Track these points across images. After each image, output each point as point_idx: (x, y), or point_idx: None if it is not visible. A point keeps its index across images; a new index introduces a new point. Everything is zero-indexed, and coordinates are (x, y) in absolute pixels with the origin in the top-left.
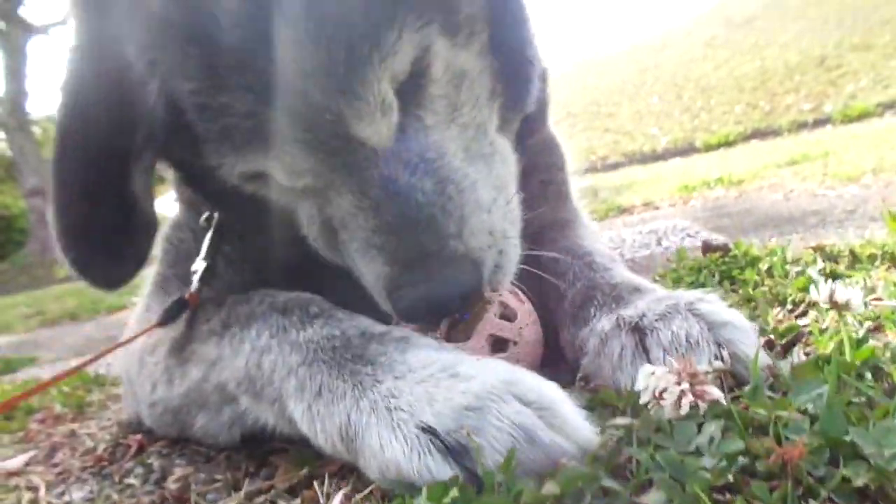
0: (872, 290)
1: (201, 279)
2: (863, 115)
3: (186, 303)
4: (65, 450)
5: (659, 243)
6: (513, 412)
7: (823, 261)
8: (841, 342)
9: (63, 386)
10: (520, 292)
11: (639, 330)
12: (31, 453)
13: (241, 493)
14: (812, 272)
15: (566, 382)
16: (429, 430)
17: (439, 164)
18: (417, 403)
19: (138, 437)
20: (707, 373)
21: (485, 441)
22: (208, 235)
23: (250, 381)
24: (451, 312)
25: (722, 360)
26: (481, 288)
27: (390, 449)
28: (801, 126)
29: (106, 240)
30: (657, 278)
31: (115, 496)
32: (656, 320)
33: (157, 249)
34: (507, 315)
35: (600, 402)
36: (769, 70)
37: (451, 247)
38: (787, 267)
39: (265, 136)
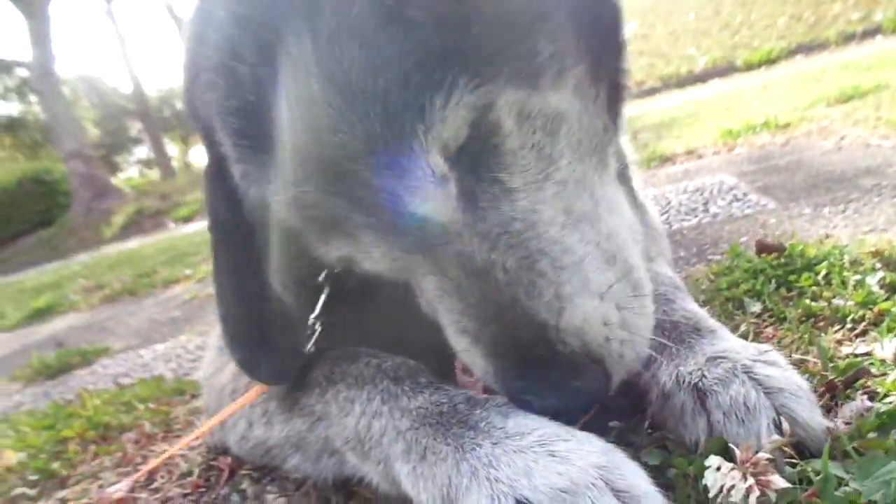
0: None
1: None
2: None
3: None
4: (162, 473)
5: (706, 209)
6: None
7: (884, 268)
8: None
9: (149, 402)
10: None
11: (698, 390)
12: (133, 478)
13: None
14: (872, 283)
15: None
16: None
17: (528, 234)
18: (516, 477)
19: (228, 461)
20: (769, 459)
21: None
22: (324, 294)
23: (358, 441)
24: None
25: (779, 427)
26: (607, 393)
27: None
28: (848, 38)
29: (263, 338)
30: (711, 277)
31: None
32: (715, 384)
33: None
34: None
35: (672, 465)
36: None
37: (560, 348)
38: (846, 274)
39: (338, 225)
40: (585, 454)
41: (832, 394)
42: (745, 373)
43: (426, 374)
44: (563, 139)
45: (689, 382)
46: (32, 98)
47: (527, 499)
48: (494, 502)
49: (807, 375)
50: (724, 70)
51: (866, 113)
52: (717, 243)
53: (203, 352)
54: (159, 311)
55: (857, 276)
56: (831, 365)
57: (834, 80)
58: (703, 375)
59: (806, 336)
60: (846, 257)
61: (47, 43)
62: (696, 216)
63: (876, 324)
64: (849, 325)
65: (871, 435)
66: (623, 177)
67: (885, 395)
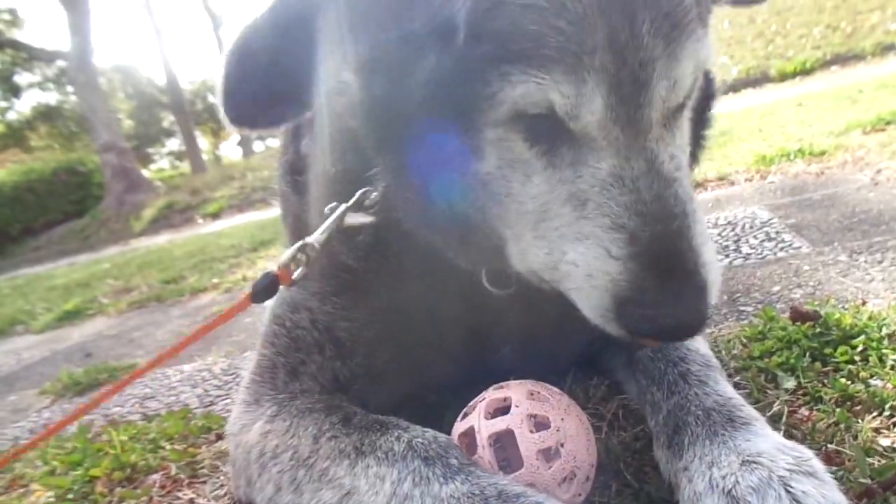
0: None
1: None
2: None
3: (277, 281)
4: None
5: (738, 248)
6: None
7: None
8: None
9: (175, 440)
10: (541, 389)
11: (732, 497)
12: None
13: None
14: None
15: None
16: None
17: (686, 183)
18: None
19: None
20: None
21: None
22: (333, 217)
23: None
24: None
25: None
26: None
27: None
28: (886, 49)
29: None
30: (744, 341)
31: None
32: (749, 493)
33: (266, 331)
34: (540, 423)
35: None
36: None
37: (702, 272)
38: (884, 350)
39: (579, 60)
40: None
41: (870, 499)
42: (783, 485)
43: (456, 454)
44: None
45: (723, 488)
46: (69, 88)
47: None
48: None
49: (842, 472)
50: (757, 80)
51: None
52: (749, 291)
53: (229, 377)
54: (186, 324)
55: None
56: (869, 463)
57: (870, 101)
58: (737, 482)
59: (842, 423)
60: (884, 329)
61: (86, 34)
62: (727, 255)
63: None
64: (887, 412)
65: None
66: None
67: None
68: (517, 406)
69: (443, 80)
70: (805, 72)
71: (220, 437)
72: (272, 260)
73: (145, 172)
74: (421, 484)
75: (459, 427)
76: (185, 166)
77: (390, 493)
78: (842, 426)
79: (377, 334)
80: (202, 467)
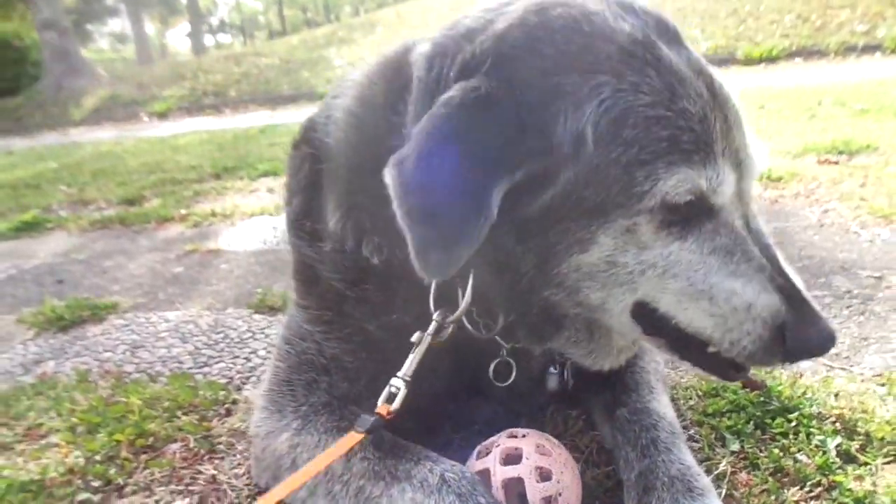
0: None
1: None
2: None
3: (382, 419)
4: (212, 499)
5: None
6: None
7: (843, 432)
8: None
9: (188, 409)
10: (546, 443)
11: None
12: (187, 500)
13: None
14: (830, 448)
15: None
16: None
17: None
18: None
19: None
20: None
21: None
22: (420, 351)
23: None
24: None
25: None
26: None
27: None
28: (849, 49)
29: (447, 232)
30: (700, 394)
31: None
32: None
33: (278, 347)
34: (545, 474)
35: None
36: None
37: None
38: (812, 430)
39: (711, 150)
40: None
41: None
42: None
43: (482, 489)
44: None
45: None
46: None
47: None
48: None
49: None
50: (724, 60)
51: (852, 186)
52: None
53: (218, 335)
54: (159, 261)
55: (820, 437)
56: None
57: (828, 118)
58: None
59: (773, 493)
60: (814, 407)
61: None
62: None
63: (829, 490)
64: (807, 487)
65: None
66: None
67: None
68: (527, 458)
69: (574, 189)
70: (770, 59)
71: (229, 413)
72: (241, 193)
73: (84, 52)
74: None
75: (476, 465)
76: (127, 50)
77: None
78: (772, 496)
79: (379, 366)
80: (219, 443)
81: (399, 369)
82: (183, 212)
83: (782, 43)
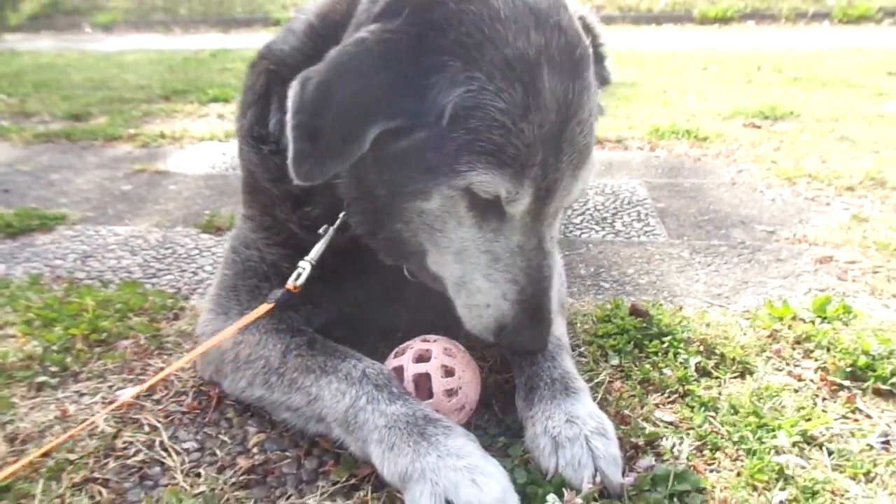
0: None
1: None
2: (862, 18)
3: (291, 293)
4: (160, 388)
5: (613, 224)
6: None
7: (703, 353)
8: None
9: (138, 312)
10: (452, 347)
11: (555, 441)
12: (137, 388)
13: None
14: (691, 365)
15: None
16: None
17: (556, 254)
18: (449, 486)
19: (217, 391)
20: (585, 498)
21: None
22: (324, 240)
23: (345, 423)
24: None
25: (594, 481)
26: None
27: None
28: (800, 15)
29: (323, 151)
30: (595, 319)
31: (217, 451)
32: (566, 441)
33: (225, 257)
34: (449, 371)
35: (533, 482)
36: None
37: (550, 318)
38: (679, 350)
39: (526, 161)
40: (494, 488)
41: (635, 450)
42: (585, 440)
43: (396, 383)
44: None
45: (551, 434)
46: None
47: (451, 502)
48: (432, 496)
49: (627, 430)
50: (679, 17)
51: (768, 149)
52: (610, 269)
53: (166, 251)
54: (107, 178)
55: (685, 356)
56: (641, 428)
57: (762, 84)
58: (560, 432)
59: (638, 397)
60: (685, 333)
61: None
62: (603, 229)
63: (684, 396)
64: (666, 394)
65: (646, 488)
66: None
67: (666, 459)
68: (435, 358)
69: (423, 147)
70: (724, 20)
71: (177, 317)
72: (190, 117)
73: None
74: (372, 402)
75: (392, 363)
76: None
77: (349, 404)
78: (637, 399)
79: (311, 276)
80: (167, 342)
81: (326, 274)
82: (131, 131)
83: (737, 4)
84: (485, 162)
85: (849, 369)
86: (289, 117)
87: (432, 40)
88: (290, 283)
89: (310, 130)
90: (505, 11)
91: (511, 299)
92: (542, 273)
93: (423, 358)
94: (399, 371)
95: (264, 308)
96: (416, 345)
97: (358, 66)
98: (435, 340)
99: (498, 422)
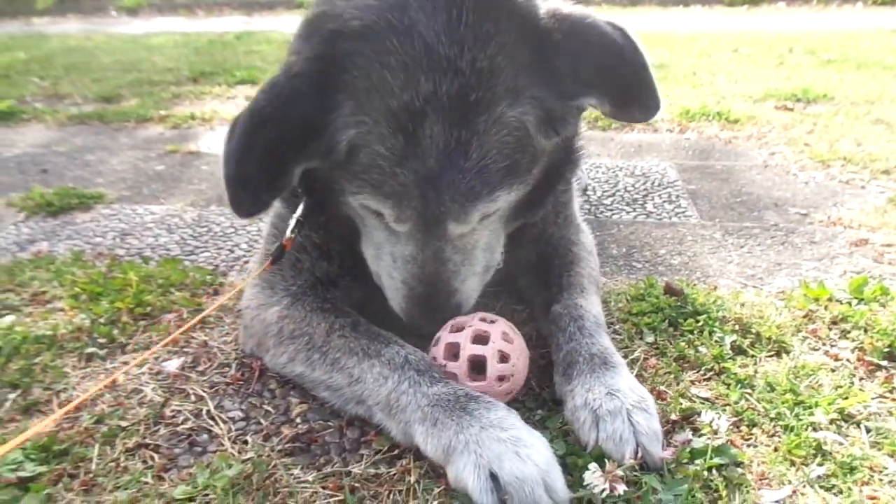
0: (750, 387)
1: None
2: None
3: (283, 247)
4: (204, 360)
5: (644, 205)
6: (538, 496)
7: (739, 332)
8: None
9: (181, 288)
10: (510, 331)
11: (595, 414)
12: (182, 359)
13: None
14: (726, 344)
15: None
16: (493, 476)
17: (473, 253)
18: (492, 458)
19: (259, 363)
20: (625, 470)
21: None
22: (300, 209)
23: (388, 406)
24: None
25: (636, 455)
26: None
27: (468, 475)
28: None
29: (256, 190)
30: (629, 298)
31: (262, 420)
32: (607, 414)
33: (266, 233)
34: (504, 356)
35: (573, 453)
36: None
37: (452, 308)
38: (714, 328)
39: (403, 197)
40: (537, 459)
41: (672, 425)
42: (627, 414)
43: (437, 370)
44: (496, 221)
45: (591, 407)
46: None
47: (495, 474)
48: (476, 468)
49: (664, 405)
50: (707, 0)
51: (801, 132)
52: (642, 249)
53: (202, 229)
54: (141, 159)
55: (720, 334)
56: (679, 404)
57: (794, 66)
58: (601, 405)
59: (673, 374)
60: (720, 313)
61: None
62: (634, 210)
63: (719, 374)
64: (702, 371)
65: (684, 461)
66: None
67: (703, 434)
68: (493, 342)
69: (332, 174)
70: (754, 1)
71: (217, 292)
72: (219, 98)
73: None
74: (414, 385)
75: (447, 337)
76: None
77: (391, 388)
78: (672, 375)
79: (345, 246)
80: (209, 317)
81: (354, 251)
82: (162, 113)
83: None
84: (370, 190)
85: (886, 350)
86: (221, 167)
87: (333, 76)
88: (285, 238)
89: (239, 180)
90: (397, 57)
91: (403, 295)
92: (438, 278)
93: (480, 339)
94: (454, 347)
95: (266, 265)
96: (475, 323)
97: (272, 114)
98: (493, 322)
99: (535, 396)
